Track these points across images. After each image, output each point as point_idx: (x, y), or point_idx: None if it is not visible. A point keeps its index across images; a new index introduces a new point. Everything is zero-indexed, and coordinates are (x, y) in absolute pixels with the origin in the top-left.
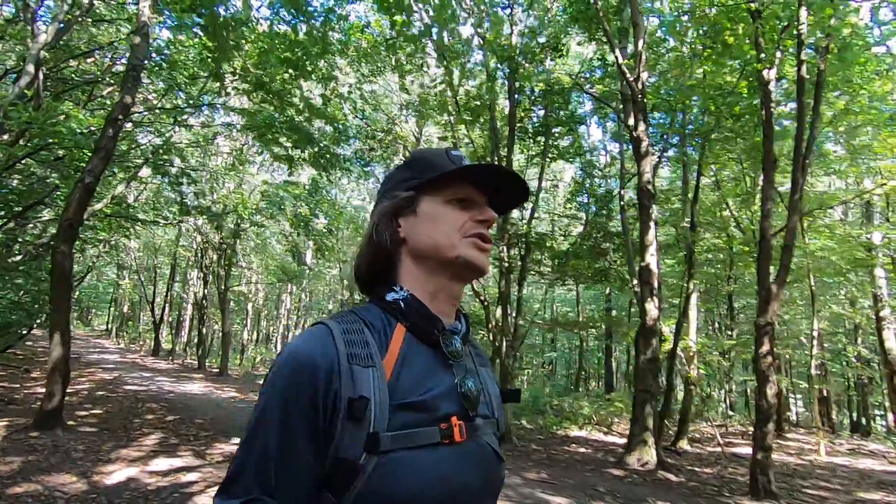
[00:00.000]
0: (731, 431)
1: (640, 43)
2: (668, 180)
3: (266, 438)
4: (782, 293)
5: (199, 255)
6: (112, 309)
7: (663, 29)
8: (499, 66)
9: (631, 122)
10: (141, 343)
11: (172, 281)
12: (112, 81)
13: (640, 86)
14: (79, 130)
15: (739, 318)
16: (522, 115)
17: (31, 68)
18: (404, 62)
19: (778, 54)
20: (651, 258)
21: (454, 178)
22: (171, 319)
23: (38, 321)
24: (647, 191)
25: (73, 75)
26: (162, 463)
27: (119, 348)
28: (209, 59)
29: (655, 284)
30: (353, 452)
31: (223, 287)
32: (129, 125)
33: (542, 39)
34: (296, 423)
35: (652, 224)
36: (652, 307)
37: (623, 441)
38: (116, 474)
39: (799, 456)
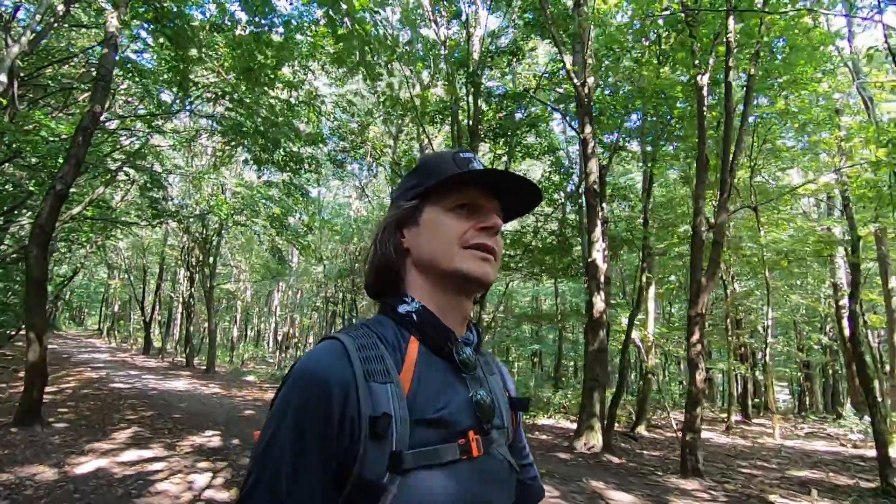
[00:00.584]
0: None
1: (586, 50)
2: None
3: (279, 460)
4: (713, 285)
5: (186, 254)
6: (103, 308)
7: (603, 38)
8: (457, 70)
9: (581, 124)
10: (132, 342)
11: (161, 280)
12: (87, 87)
13: (586, 90)
14: (50, 139)
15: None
16: (488, 116)
17: (3, 77)
18: (374, 63)
19: (711, 60)
20: (597, 254)
21: (458, 183)
22: (160, 318)
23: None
24: (593, 190)
25: (49, 81)
26: (132, 454)
27: (110, 347)
28: (175, 70)
29: (602, 279)
30: (376, 472)
31: (208, 285)
32: (112, 125)
33: (504, 42)
34: (309, 445)
35: (599, 222)
36: (598, 300)
37: None
38: (86, 465)
39: (753, 439)
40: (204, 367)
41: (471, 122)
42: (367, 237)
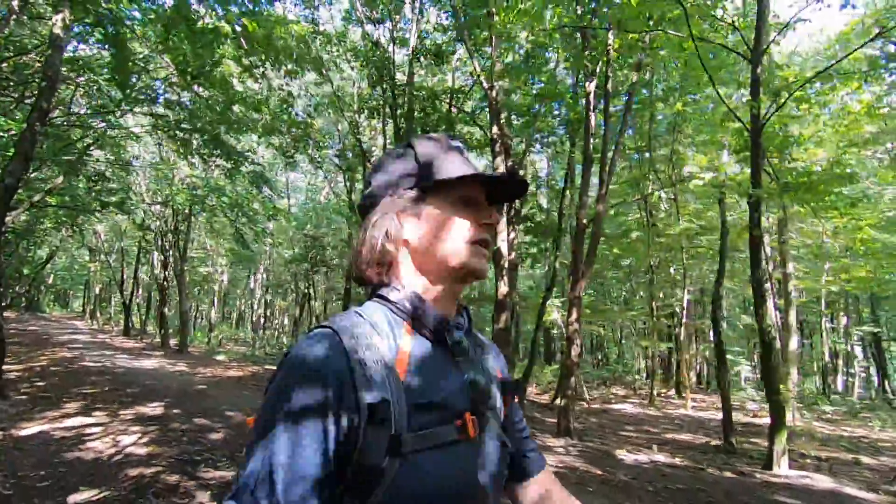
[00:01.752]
0: (638, 392)
1: (495, 55)
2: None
3: (275, 449)
4: (590, 271)
5: (160, 237)
6: (86, 291)
7: (508, 44)
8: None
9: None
10: (113, 324)
11: (139, 263)
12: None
13: (493, 93)
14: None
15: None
16: (427, 112)
17: None
18: (325, 57)
19: (598, 69)
20: (502, 243)
21: (461, 179)
22: (138, 300)
23: (4, 304)
24: None
25: (8, 75)
26: (75, 421)
27: (92, 329)
28: (114, 71)
29: (506, 265)
30: (376, 457)
31: (179, 269)
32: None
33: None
34: (305, 434)
35: (503, 214)
36: (502, 285)
37: None
38: (31, 429)
39: (665, 411)
40: (178, 348)
41: (402, 121)
42: (326, 223)
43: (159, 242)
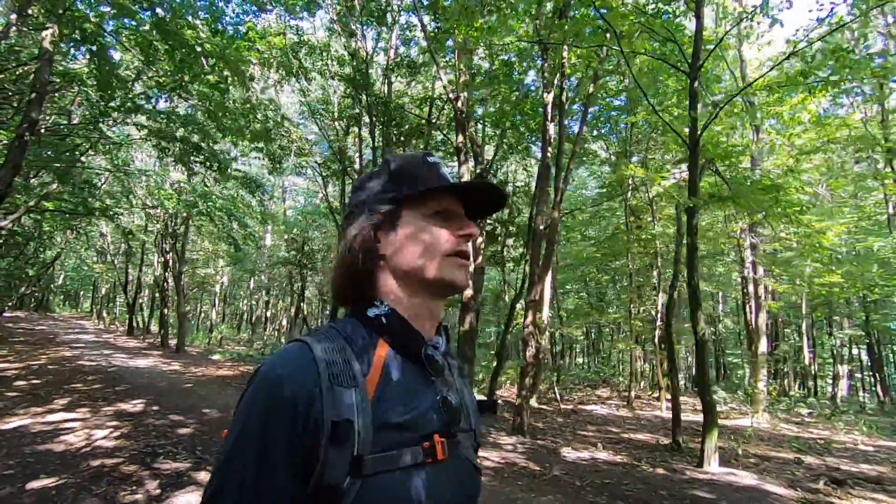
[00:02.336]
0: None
1: (460, 69)
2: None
3: (242, 465)
4: (546, 275)
5: (160, 240)
6: (94, 292)
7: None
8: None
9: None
10: (120, 323)
11: (142, 265)
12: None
13: (459, 103)
14: None
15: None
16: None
17: None
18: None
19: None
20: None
21: (436, 191)
22: (141, 301)
23: (10, 303)
24: None
25: (7, 85)
26: (57, 416)
27: (98, 329)
28: (99, 84)
29: (472, 269)
30: (336, 476)
31: (177, 271)
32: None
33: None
34: (273, 449)
35: (482, 227)
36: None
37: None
38: (12, 423)
39: (640, 412)
40: (176, 348)
41: (379, 129)
42: (312, 228)
43: (160, 245)
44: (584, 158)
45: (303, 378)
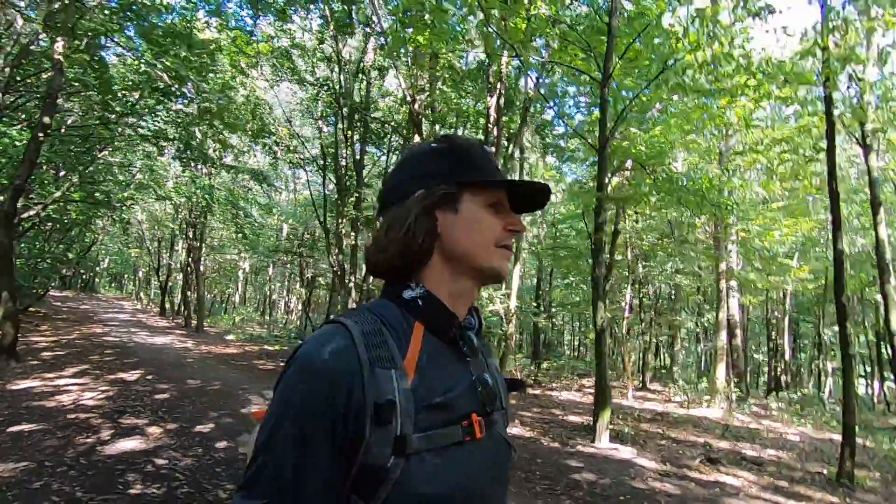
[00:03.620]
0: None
1: (417, 75)
2: None
3: (283, 448)
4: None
5: (185, 227)
6: (135, 275)
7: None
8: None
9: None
10: (154, 304)
11: (172, 250)
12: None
13: (416, 105)
14: (13, 144)
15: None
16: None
17: None
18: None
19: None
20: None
21: (498, 184)
22: (170, 285)
23: (53, 284)
24: None
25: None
26: (62, 381)
27: (136, 309)
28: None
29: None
30: (381, 457)
31: (196, 256)
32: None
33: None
34: (315, 432)
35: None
36: None
37: None
38: (22, 384)
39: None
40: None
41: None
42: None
43: (185, 232)
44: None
45: (344, 360)
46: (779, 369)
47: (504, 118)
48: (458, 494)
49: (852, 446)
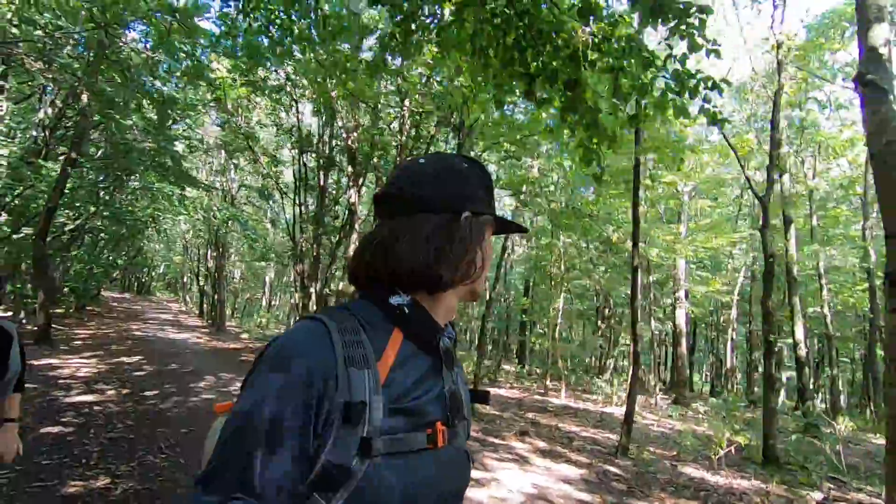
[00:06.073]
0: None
1: (356, 114)
2: None
3: (253, 439)
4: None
5: (210, 239)
6: (181, 279)
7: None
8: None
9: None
10: (196, 306)
11: (208, 258)
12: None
13: (350, 142)
14: (49, 176)
15: None
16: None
17: (35, 133)
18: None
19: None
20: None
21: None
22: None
23: (105, 286)
24: (355, 211)
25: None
26: (76, 362)
27: (181, 310)
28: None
29: None
30: (345, 457)
31: (217, 264)
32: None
33: None
34: (285, 426)
35: (354, 234)
36: None
37: None
38: (44, 361)
39: (545, 399)
40: (225, 327)
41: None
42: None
43: (212, 242)
44: None
45: (319, 356)
46: (711, 374)
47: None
48: (416, 500)
49: (629, 425)
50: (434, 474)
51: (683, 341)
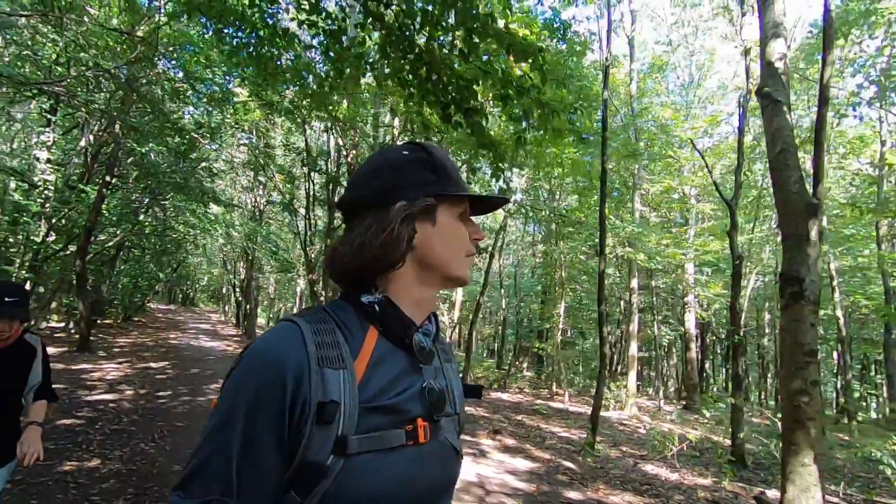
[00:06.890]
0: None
1: (349, 132)
2: None
3: (230, 440)
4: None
5: (242, 250)
6: (222, 291)
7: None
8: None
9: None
10: (234, 317)
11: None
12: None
13: (349, 159)
14: (88, 199)
15: None
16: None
17: (78, 160)
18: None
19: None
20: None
21: (472, 197)
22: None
23: (149, 298)
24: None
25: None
26: (107, 365)
27: (220, 321)
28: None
29: None
30: (320, 455)
31: (246, 276)
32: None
33: None
34: (261, 426)
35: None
36: None
37: None
38: (81, 366)
39: (545, 402)
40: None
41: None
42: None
43: (244, 256)
44: None
45: (292, 357)
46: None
47: None
48: (395, 496)
49: (595, 423)
50: (416, 468)
51: (693, 346)
